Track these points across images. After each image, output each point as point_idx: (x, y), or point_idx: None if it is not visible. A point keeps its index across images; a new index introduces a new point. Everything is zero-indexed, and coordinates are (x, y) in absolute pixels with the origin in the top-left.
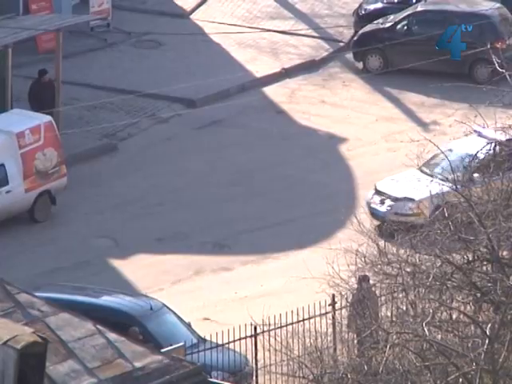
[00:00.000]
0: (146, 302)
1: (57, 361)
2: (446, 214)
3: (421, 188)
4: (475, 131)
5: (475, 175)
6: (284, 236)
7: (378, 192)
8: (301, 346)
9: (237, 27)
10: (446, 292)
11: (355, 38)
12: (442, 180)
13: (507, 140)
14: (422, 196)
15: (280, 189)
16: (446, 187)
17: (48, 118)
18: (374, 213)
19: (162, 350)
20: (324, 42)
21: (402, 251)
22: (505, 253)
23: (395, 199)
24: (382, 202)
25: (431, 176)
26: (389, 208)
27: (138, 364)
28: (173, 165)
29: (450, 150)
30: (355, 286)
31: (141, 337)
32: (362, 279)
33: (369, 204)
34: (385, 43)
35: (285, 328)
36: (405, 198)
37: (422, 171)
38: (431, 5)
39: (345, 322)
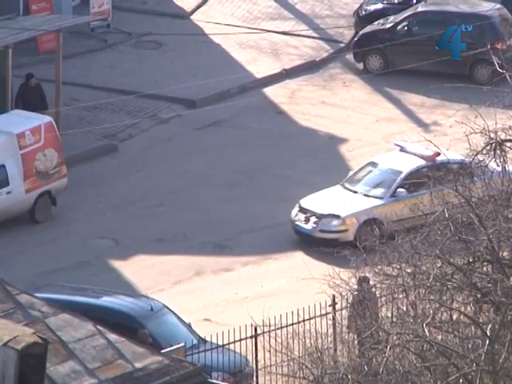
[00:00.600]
0: (147, 302)
1: (57, 361)
2: (446, 215)
3: (346, 204)
4: (398, 146)
5: (399, 190)
6: (284, 237)
7: (302, 209)
8: (301, 347)
9: (237, 28)
10: (446, 293)
11: (356, 39)
12: (366, 196)
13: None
14: (347, 212)
15: (280, 189)
16: (371, 203)
17: (48, 118)
18: (298, 230)
19: (163, 351)
20: (324, 43)
21: (402, 251)
22: (505, 253)
23: (320, 216)
24: (307, 220)
25: (355, 192)
26: (314, 225)
27: (138, 365)
28: (173, 165)
29: (374, 165)
30: (355, 286)
31: (150, 339)
32: (363, 280)
33: (293, 221)
34: (385, 44)
35: (285, 329)
36: (330, 214)
37: (344, 187)
38: (431, 5)
39: (345, 322)
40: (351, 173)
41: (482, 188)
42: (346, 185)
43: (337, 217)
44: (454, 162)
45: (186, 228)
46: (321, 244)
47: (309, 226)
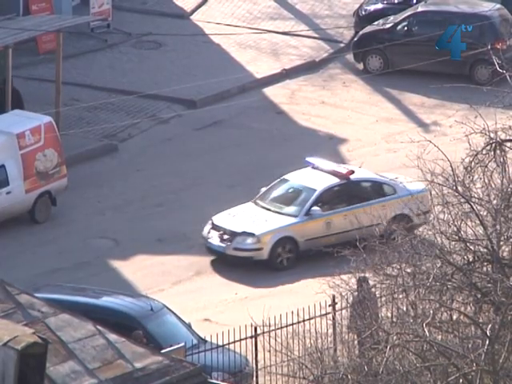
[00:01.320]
0: (147, 302)
1: (57, 361)
2: (447, 215)
3: (260, 222)
4: (310, 163)
5: (314, 208)
6: None
7: (215, 226)
8: (301, 347)
9: (237, 28)
10: (446, 293)
11: (355, 39)
12: (280, 213)
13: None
14: (262, 230)
15: None
16: (285, 221)
17: (48, 118)
18: (211, 248)
19: (163, 351)
20: (324, 43)
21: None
22: (505, 253)
23: (234, 234)
24: (220, 237)
25: (268, 209)
26: (228, 243)
27: (138, 365)
28: (173, 165)
29: (286, 182)
30: (355, 286)
31: (145, 340)
32: (363, 280)
33: (206, 239)
34: (385, 44)
35: (285, 329)
36: (245, 232)
37: (257, 204)
38: (431, 5)
39: (345, 322)
40: (263, 190)
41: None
42: (259, 202)
43: (251, 235)
44: (367, 180)
45: (186, 228)
46: (234, 263)
47: (222, 244)
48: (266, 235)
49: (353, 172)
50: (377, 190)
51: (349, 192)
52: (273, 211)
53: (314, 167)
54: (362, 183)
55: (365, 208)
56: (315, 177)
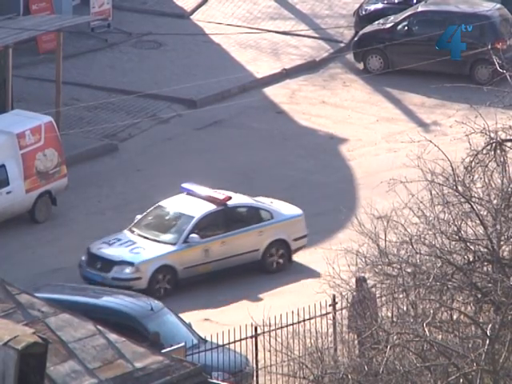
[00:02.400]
0: (147, 302)
1: (57, 361)
2: (447, 215)
3: (138, 251)
4: (185, 189)
5: (192, 236)
6: None
7: (92, 255)
8: (301, 347)
9: (237, 28)
10: (446, 292)
11: (356, 39)
12: (158, 242)
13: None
14: (140, 259)
15: (280, 189)
16: (164, 249)
17: (48, 118)
18: (88, 277)
19: (163, 351)
20: (324, 43)
21: (402, 252)
22: (505, 253)
23: (112, 263)
24: (98, 266)
25: (145, 238)
26: (106, 273)
27: (138, 364)
28: (173, 165)
29: (163, 210)
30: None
31: (161, 341)
32: (363, 280)
33: (83, 268)
34: (385, 44)
35: (285, 328)
36: (123, 261)
37: (133, 232)
38: (432, 5)
39: (345, 322)
40: (139, 217)
41: (482, 188)
42: (135, 230)
43: (130, 264)
44: (244, 206)
45: None
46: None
47: (100, 274)
48: (144, 264)
49: (230, 198)
50: (254, 215)
51: (226, 218)
52: (150, 239)
53: (189, 193)
54: (239, 209)
55: (242, 234)
56: (192, 203)
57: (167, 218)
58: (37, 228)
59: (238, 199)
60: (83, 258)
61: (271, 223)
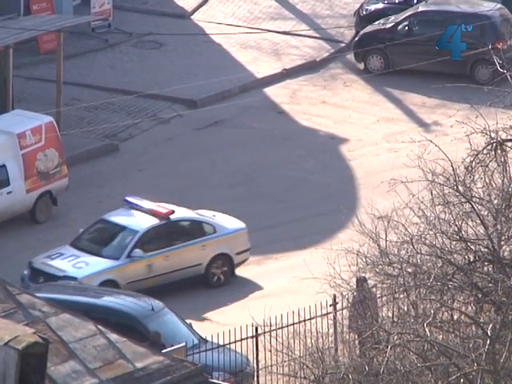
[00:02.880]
0: (148, 302)
1: (58, 361)
2: (448, 215)
3: (81, 265)
4: (128, 202)
5: (135, 250)
6: (285, 236)
7: (34, 270)
8: (302, 347)
9: (238, 28)
10: (447, 292)
11: (356, 39)
12: (101, 256)
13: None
14: (83, 274)
15: (281, 189)
16: (107, 264)
17: (49, 118)
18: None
19: (163, 351)
20: (325, 43)
21: (403, 252)
22: (506, 253)
23: (55, 278)
24: (40, 281)
25: (88, 252)
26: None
27: (139, 365)
28: (174, 165)
29: (105, 223)
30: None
31: (161, 340)
32: (364, 280)
33: (25, 283)
34: (386, 44)
35: (286, 328)
36: (66, 276)
37: (75, 247)
38: (432, 5)
39: (346, 322)
40: (81, 231)
41: (482, 188)
42: (78, 244)
43: (73, 279)
44: (187, 220)
45: None
46: None
47: None
48: (87, 279)
49: (173, 212)
50: (197, 229)
51: (169, 232)
52: (93, 254)
53: (132, 207)
54: (181, 223)
55: (186, 248)
56: (135, 217)
57: (110, 232)
58: (37, 228)
59: (180, 213)
60: (25, 272)
61: (214, 237)
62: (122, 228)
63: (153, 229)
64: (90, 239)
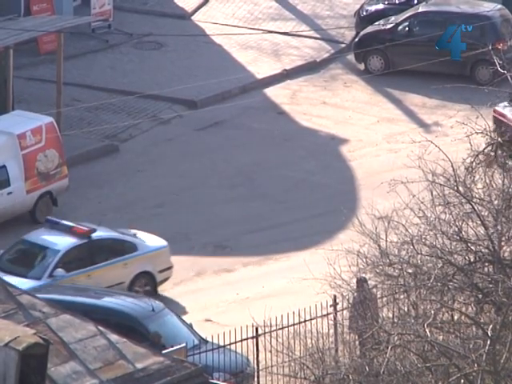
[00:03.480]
0: (148, 303)
1: (58, 362)
2: (448, 215)
3: None
4: (48, 221)
5: (57, 270)
6: (285, 237)
7: None
8: (302, 347)
9: (238, 28)
10: (447, 293)
11: (356, 39)
12: (22, 276)
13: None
14: None
15: (281, 190)
16: (28, 284)
17: (49, 119)
18: None
19: (164, 352)
20: (325, 43)
21: (403, 252)
22: (506, 254)
23: None
24: None
25: (10, 273)
26: None
27: (139, 365)
28: (174, 166)
29: (25, 244)
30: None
31: (162, 341)
32: (364, 280)
33: None
34: (386, 44)
35: (286, 329)
36: None
37: None
38: (432, 6)
39: (346, 323)
40: (1, 252)
41: (482, 188)
42: None
43: None
44: (108, 238)
45: (186, 229)
46: None
47: None
48: None
49: (93, 230)
50: (118, 247)
51: (91, 251)
52: (15, 274)
53: (52, 226)
54: (103, 241)
55: (108, 267)
56: (55, 236)
57: (31, 252)
58: (38, 228)
59: (101, 232)
60: None
61: (136, 255)
62: (43, 247)
63: (74, 248)
64: (11, 260)
